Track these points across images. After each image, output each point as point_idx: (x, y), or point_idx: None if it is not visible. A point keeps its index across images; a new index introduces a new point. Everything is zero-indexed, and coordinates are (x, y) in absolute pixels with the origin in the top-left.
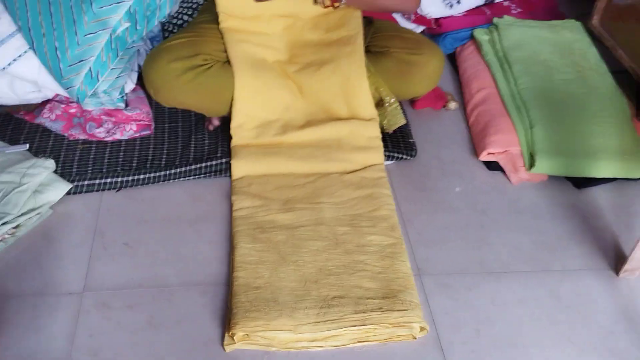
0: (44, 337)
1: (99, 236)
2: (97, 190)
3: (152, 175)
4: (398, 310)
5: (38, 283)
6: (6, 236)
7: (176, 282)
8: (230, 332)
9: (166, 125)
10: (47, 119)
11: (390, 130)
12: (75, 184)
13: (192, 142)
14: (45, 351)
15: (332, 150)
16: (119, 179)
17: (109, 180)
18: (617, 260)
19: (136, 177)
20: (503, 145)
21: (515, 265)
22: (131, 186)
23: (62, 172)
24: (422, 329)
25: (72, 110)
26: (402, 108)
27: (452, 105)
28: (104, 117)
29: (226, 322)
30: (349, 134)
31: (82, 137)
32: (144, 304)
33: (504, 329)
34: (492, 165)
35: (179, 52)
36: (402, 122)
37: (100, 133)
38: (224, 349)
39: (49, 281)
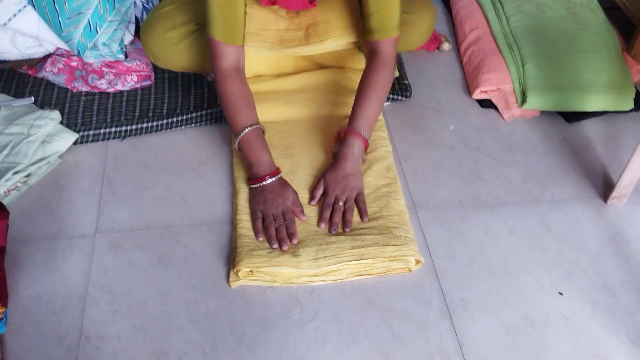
0: (60, 276)
1: (107, 182)
2: (103, 140)
3: (154, 123)
4: (393, 245)
5: (52, 227)
6: (19, 184)
7: (183, 222)
8: (235, 269)
9: (166, 75)
10: (50, 73)
11: None
12: (81, 134)
13: (192, 91)
14: (62, 288)
15: (329, 94)
16: (123, 128)
17: (113, 129)
18: (605, 189)
19: (139, 125)
20: (495, 83)
21: (507, 197)
22: (135, 135)
23: (68, 123)
24: (417, 262)
25: (74, 64)
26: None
27: (446, 46)
28: (104, 69)
29: (231, 260)
30: (343, 79)
31: (85, 89)
32: (153, 244)
33: (496, 257)
34: (485, 103)
35: (173, 20)
36: (395, 74)
37: (102, 85)
38: (230, 285)
39: (62, 225)
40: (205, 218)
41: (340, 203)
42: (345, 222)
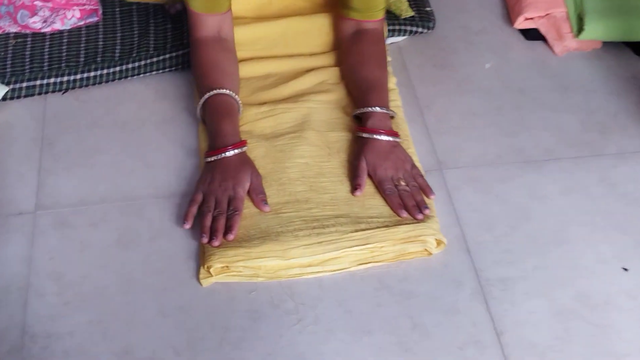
0: None
1: (47, 147)
2: (40, 94)
3: (105, 72)
4: (407, 224)
5: None
6: None
7: (146, 194)
8: (206, 266)
9: (117, 9)
10: None
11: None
12: (11, 86)
13: (151, 29)
14: None
15: (320, 35)
16: (65, 79)
17: (52, 80)
18: None
19: (85, 75)
20: (544, 7)
21: (560, 151)
22: (80, 86)
23: None
24: (439, 243)
25: None
26: None
27: None
28: (38, 3)
29: (200, 254)
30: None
31: (14, 29)
32: (110, 220)
33: (545, 224)
34: (531, 34)
35: None
36: (409, 13)
37: (35, 23)
38: (200, 283)
39: None
40: (173, 188)
41: (403, 183)
42: (419, 205)
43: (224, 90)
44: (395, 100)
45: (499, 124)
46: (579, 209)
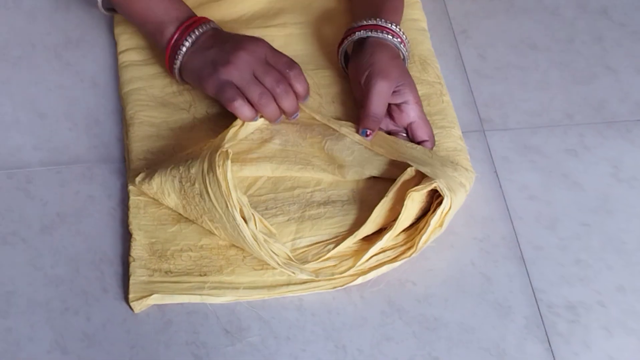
0: None
1: None
2: None
3: None
4: (431, 166)
5: None
6: None
7: (37, 159)
8: (132, 297)
9: None
10: None
11: None
12: None
13: None
14: None
15: None
16: None
17: None
18: None
19: None
20: None
21: None
22: None
23: None
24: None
25: None
26: None
27: None
28: None
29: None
30: None
31: None
32: None
33: (636, 221)
34: None
35: None
36: None
37: None
38: (131, 307)
39: None
40: (80, 150)
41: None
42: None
43: None
44: (419, 19)
45: (570, 63)
46: None
